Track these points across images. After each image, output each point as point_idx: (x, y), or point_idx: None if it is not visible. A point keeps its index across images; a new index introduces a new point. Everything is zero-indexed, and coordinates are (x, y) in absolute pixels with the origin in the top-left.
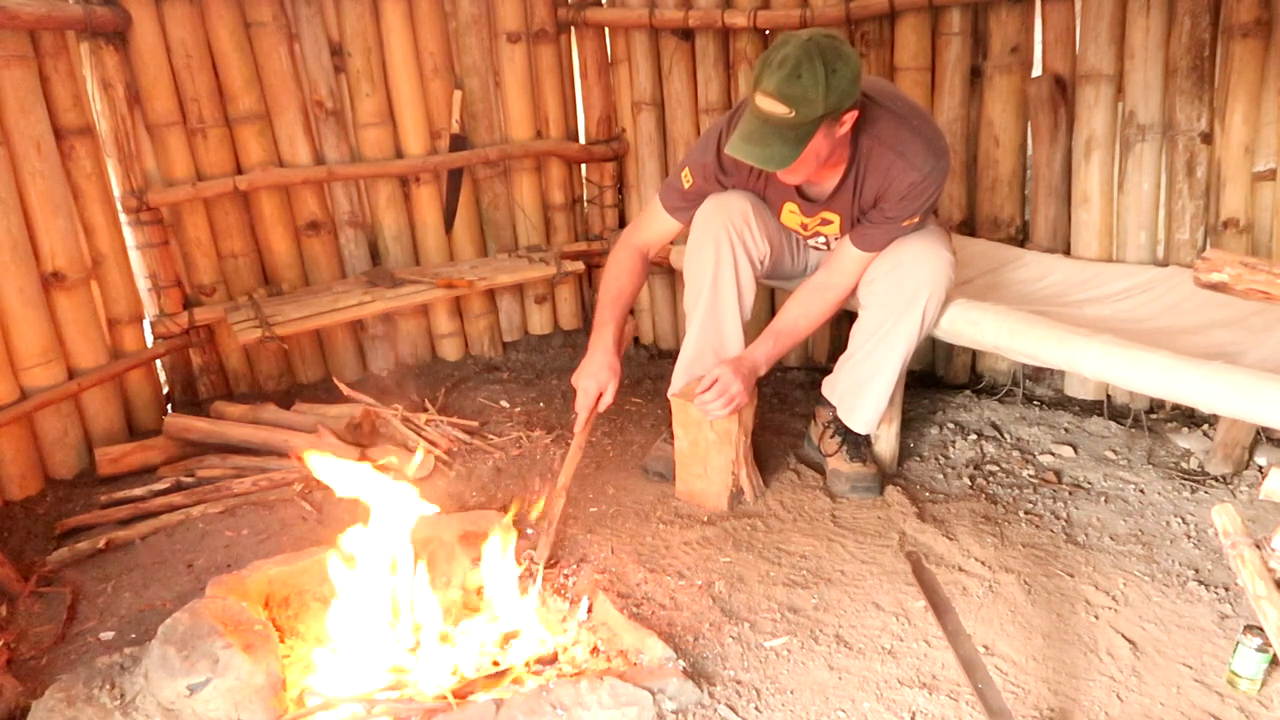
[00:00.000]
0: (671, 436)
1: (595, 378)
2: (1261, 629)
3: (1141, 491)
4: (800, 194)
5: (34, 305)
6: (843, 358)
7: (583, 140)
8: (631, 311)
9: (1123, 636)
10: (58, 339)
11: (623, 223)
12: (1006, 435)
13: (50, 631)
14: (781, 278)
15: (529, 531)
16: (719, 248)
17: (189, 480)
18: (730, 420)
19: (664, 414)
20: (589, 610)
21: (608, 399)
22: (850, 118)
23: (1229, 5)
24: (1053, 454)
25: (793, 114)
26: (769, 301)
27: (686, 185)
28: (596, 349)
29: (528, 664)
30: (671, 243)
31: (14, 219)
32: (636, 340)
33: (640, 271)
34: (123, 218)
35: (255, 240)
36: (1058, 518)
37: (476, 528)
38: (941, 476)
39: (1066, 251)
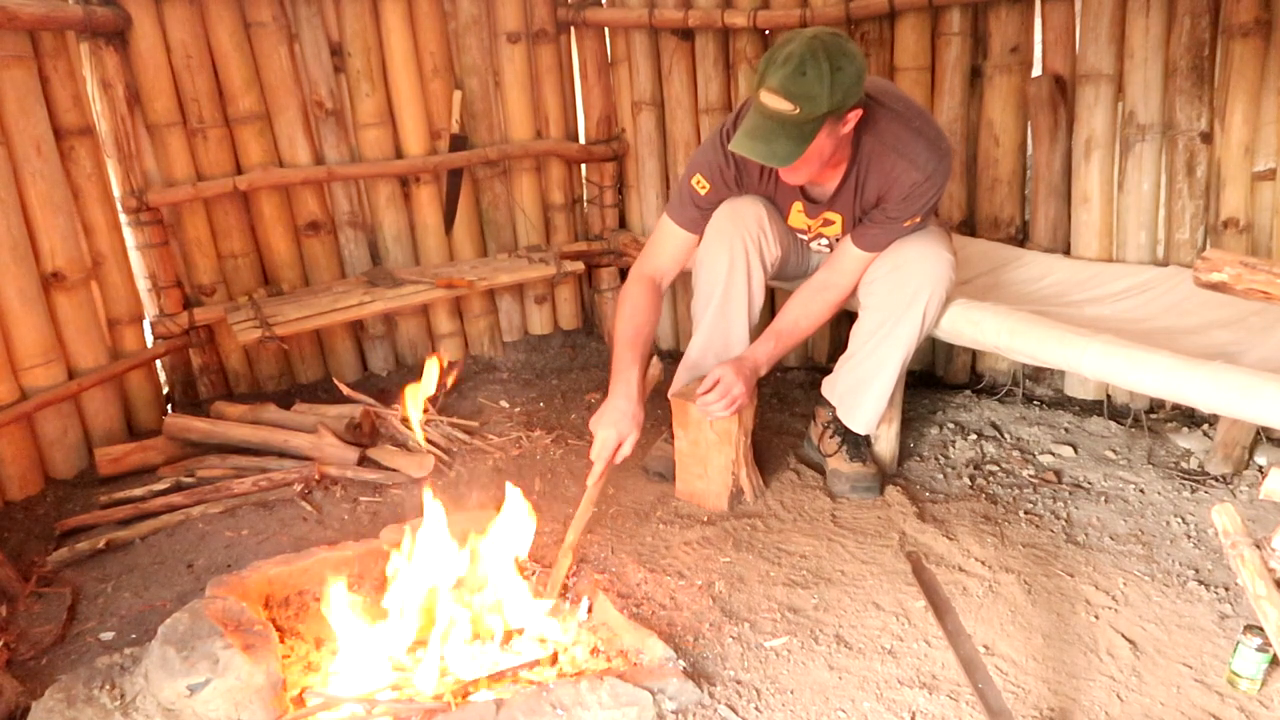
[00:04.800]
0: (672, 436)
1: (616, 427)
2: (1261, 629)
3: (1141, 491)
4: (804, 194)
5: (34, 305)
6: (843, 358)
7: (583, 140)
8: (657, 354)
9: (1123, 636)
10: (58, 339)
11: (623, 223)
12: (1006, 435)
13: (50, 631)
14: (783, 278)
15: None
16: (733, 254)
17: (189, 480)
18: (730, 420)
19: (664, 414)
20: (589, 610)
21: (626, 451)
22: (854, 116)
23: (1229, 5)
24: (1053, 454)
25: (797, 110)
26: (769, 302)
27: (702, 191)
28: (618, 396)
29: (528, 664)
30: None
31: (14, 219)
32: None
33: (655, 305)
34: (123, 218)
35: (255, 240)
36: (1058, 518)
37: (476, 528)
38: (941, 476)
39: (1066, 251)
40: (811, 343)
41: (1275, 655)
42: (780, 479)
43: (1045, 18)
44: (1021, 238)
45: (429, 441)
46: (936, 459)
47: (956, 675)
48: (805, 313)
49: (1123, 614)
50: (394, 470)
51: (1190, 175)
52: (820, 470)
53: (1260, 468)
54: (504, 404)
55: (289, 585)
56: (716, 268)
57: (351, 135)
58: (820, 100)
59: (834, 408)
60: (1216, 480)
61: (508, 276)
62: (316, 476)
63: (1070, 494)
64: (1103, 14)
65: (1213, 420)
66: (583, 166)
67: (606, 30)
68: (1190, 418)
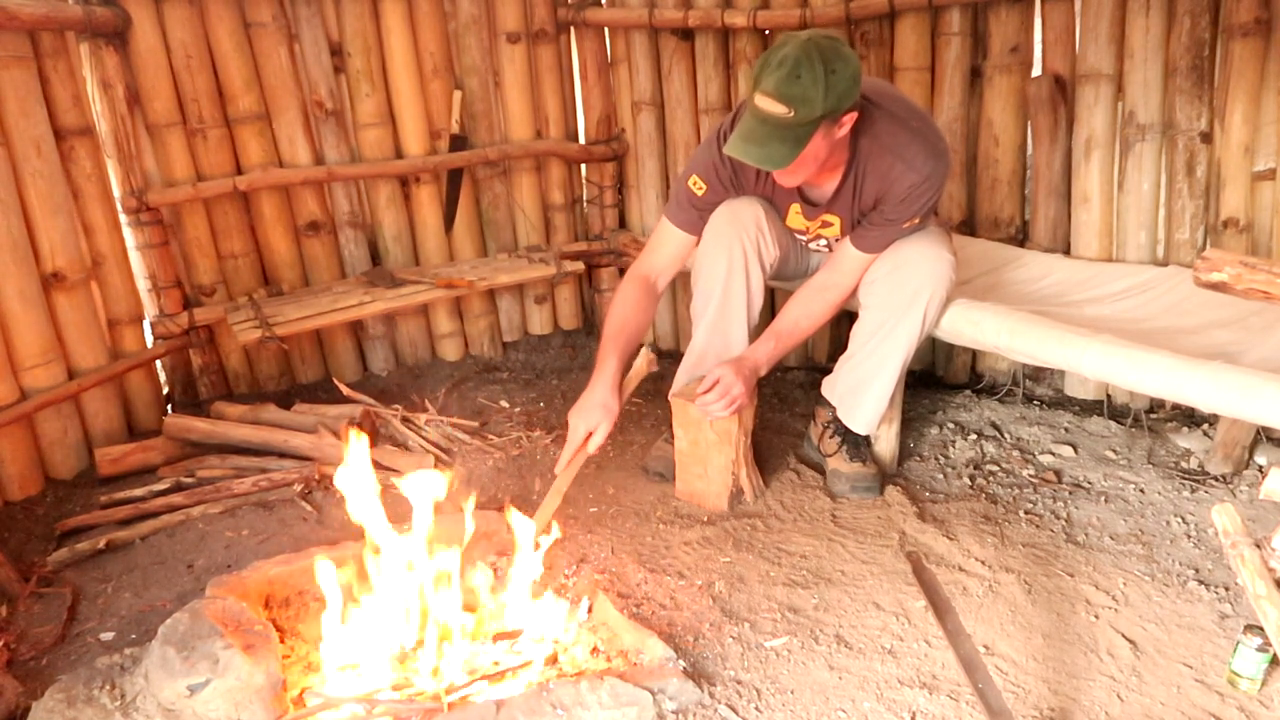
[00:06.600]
0: (672, 436)
1: (585, 417)
2: (1261, 629)
3: (1141, 491)
4: (802, 197)
5: (34, 305)
6: (843, 358)
7: (582, 140)
8: (655, 350)
9: (1123, 636)
10: (58, 339)
11: (623, 223)
12: (1006, 435)
13: (50, 632)
14: (783, 279)
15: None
16: (732, 255)
17: (189, 480)
18: (730, 420)
19: (664, 414)
20: (589, 610)
21: (597, 440)
22: (849, 119)
23: (1229, 5)
24: (1053, 454)
25: (792, 114)
26: (769, 302)
27: (699, 192)
28: (595, 386)
29: (528, 664)
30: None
31: (14, 219)
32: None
33: (646, 303)
34: (123, 218)
35: (255, 240)
36: (1058, 518)
37: (476, 528)
38: (941, 476)
39: (1066, 251)
40: (811, 343)
41: (1275, 655)
42: (780, 479)
43: (1045, 18)
44: (1021, 238)
45: (428, 441)
46: (936, 459)
47: (956, 675)
48: (805, 313)
49: (1123, 614)
50: (394, 470)
51: (1190, 175)
52: (820, 470)
53: (1260, 468)
54: (504, 404)
55: (289, 585)
56: (715, 269)
57: (351, 135)
58: (815, 103)
59: (834, 408)
60: (1216, 480)
61: (508, 276)
62: (316, 476)
63: (1070, 494)
64: (1103, 14)
65: (1213, 420)
66: (583, 166)
67: (606, 30)
68: (1190, 418)
